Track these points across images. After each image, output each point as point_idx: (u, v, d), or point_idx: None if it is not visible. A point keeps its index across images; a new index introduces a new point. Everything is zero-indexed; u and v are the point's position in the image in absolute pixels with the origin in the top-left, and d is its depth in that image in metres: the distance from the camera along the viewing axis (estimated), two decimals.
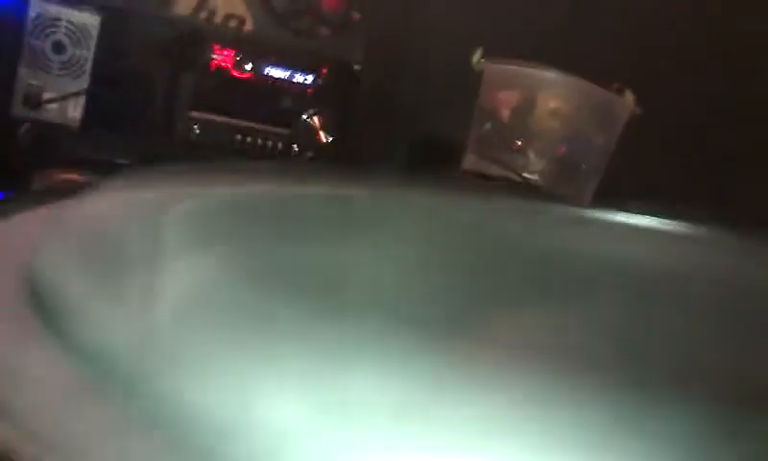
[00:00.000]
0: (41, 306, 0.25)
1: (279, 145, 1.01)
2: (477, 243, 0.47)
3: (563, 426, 0.22)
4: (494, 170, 1.10)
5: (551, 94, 1.16)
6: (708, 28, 1.27)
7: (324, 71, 1.01)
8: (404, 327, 0.28)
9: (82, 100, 0.89)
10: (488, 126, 1.15)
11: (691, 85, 1.26)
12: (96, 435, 0.18)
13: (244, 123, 0.98)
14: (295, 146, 1.01)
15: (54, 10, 0.87)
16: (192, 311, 0.28)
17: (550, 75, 1.14)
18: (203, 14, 0.98)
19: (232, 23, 1.00)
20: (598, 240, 0.51)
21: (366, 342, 0.27)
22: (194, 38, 0.96)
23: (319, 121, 1.01)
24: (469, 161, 1.12)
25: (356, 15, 1.04)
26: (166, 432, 0.19)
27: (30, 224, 0.33)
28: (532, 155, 1.15)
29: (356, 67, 1.04)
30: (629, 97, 1.17)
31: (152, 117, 0.96)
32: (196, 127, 0.97)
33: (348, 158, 1.00)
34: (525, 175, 1.11)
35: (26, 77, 0.87)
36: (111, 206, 0.36)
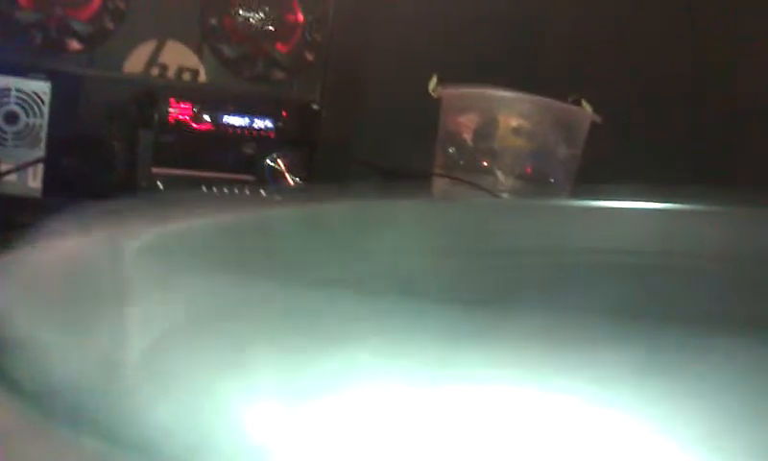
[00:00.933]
0: None
1: (246, 192, 0.99)
2: (470, 243, 0.46)
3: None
4: (465, 192, 1.10)
5: (512, 113, 1.17)
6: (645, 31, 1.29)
7: (284, 114, 1.01)
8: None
9: (40, 169, 0.88)
10: (452, 150, 1.15)
11: (644, 86, 1.28)
12: None
13: (208, 174, 0.97)
14: (262, 191, 1.00)
15: (2, 81, 0.85)
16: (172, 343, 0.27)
17: (508, 94, 1.15)
18: (154, 70, 0.98)
19: (186, 76, 1.00)
20: (595, 228, 0.50)
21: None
22: (149, 96, 0.95)
23: (284, 164, 1.01)
24: (439, 185, 1.11)
25: (309, 56, 1.05)
26: None
27: None
28: (500, 174, 1.15)
29: (315, 107, 1.04)
30: (586, 107, 1.18)
31: (114, 179, 0.95)
32: (160, 184, 0.95)
33: None
34: (495, 194, 1.11)
35: None
36: (67, 246, 0.35)
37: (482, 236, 0.49)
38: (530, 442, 0.18)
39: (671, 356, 0.21)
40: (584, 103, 1.18)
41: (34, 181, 0.87)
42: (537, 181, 1.16)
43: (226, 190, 0.98)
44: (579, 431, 0.18)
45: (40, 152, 0.87)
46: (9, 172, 0.86)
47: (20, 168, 0.86)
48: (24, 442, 0.19)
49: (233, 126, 0.99)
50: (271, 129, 1.00)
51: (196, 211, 0.45)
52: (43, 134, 0.87)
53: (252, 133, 0.99)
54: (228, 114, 0.98)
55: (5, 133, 0.86)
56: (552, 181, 1.18)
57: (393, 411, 0.19)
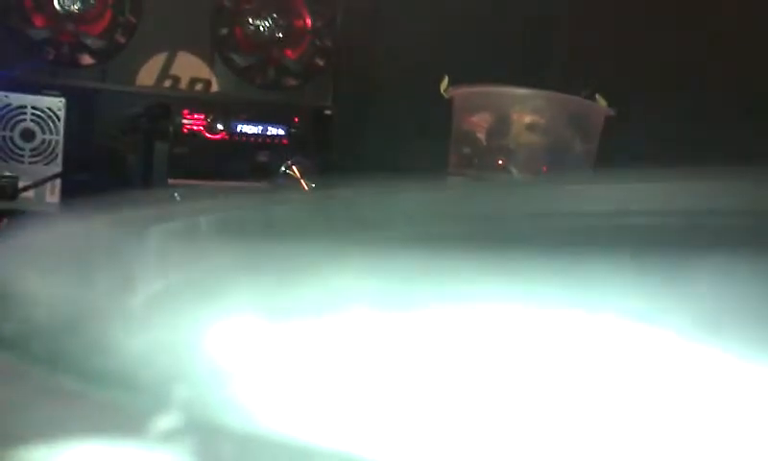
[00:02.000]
0: None
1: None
2: (481, 225, 0.46)
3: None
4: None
5: (525, 109, 1.16)
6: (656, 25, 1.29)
7: (296, 120, 1.01)
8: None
9: (57, 184, 0.88)
10: (466, 150, 1.15)
11: (659, 81, 1.27)
12: (19, 411, 0.17)
13: (224, 183, 0.98)
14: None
15: (18, 98, 0.86)
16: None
17: (521, 91, 1.14)
18: (167, 83, 0.98)
19: (198, 86, 1.00)
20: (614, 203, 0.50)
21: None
22: (162, 108, 0.96)
23: (298, 170, 1.01)
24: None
25: (320, 61, 1.05)
26: (99, 395, 0.17)
27: None
28: (515, 171, 1.15)
29: (327, 112, 1.04)
30: (601, 101, 1.18)
31: (130, 191, 0.95)
32: (176, 195, 0.96)
33: None
34: None
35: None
36: (72, 225, 0.35)
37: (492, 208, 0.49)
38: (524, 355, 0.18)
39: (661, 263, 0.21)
40: (598, 97, 1.17)
41: (51, 196, 0.88)
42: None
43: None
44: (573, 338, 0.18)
45: (57, 167, 0.88)
46: (26, 188, 0.87)
47: (38, 184, 0.87)
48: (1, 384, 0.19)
49: (247, 134, 0.99)
50: (284, 135, 1.01)
51: (199, 203, 0.45)
52: (59, 150, 0.88)
53: (265, 141, 1.00)
54: (242, 123, 0.99)
55: (22, 150, 0.87)
56: None
57: (373, 333, 0.19)
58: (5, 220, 0.88)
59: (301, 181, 1.01)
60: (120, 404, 0.17)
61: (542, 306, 0.19)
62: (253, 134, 0.99)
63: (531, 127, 1.15)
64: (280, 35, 1.02)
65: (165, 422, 0.15)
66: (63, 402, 0.17)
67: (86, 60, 0.94)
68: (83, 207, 0.35)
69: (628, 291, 0.20)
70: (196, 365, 0.18)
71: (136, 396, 0.17)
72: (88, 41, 0.93)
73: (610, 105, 1.15)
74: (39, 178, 0.87)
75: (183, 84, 0.99)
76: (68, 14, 0.91)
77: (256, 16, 1.01)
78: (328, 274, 0.23)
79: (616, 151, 1.12)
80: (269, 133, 1.00)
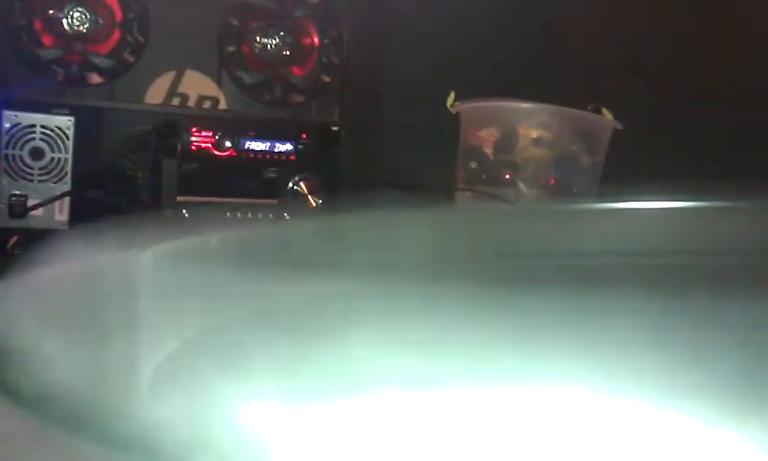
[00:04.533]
0: None
1: (270, 216, 1.00)
2: (490, 249, 0.46)
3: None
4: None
5: (531, 124, 1.16)
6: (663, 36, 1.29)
7: (304, 137, 1.01)
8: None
9: (67, 202, 0.89)
10: (473, 165, 1.15)
11: (660, 93, 1.28)
12: None
13: (232, 200, 0.98)
14: (285, 215, 1.00)
15: (27, 117, 0.87)
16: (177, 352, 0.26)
17: (527, 106, 1.15)
18: (175, 101, 0.99)
19: (206, 104, 1.00)
20: (620, 230, 0.49)
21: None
22: (170, 125, 0.96)
23: (306, 186, 1.01)
24: (462, 200, 1.11)
25: (327, 78, 1.05)
26: None
27: None
28: (522, 185, 1.15)
29: (334, 128, 1.04)
30: (607, 114, 1.18)
31: (140, 209, 0.96)
32: (185, 212, 0.96)
33: None
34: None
35: (8, 188, 0.86)
36: (78, 263, 0.35)
37: (499, 241, 0.49)
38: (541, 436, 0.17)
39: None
40: (604, 111, 1.17)
41: (60, 214, 0.88)
42: (560, 191, 1.15)
43: (249, 215, 0.98)
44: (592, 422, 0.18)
45: (66, 185, 0.89)
46: (36, 206, 0.87)
47: (47, 203, 0.87)
48: (24, 446, 0.18)
49: (255, 151, 0.99)
50: (291, 152, 1.01)
51: (207, 227, 0.45)
52: (68, 168, 0.88)
53: (273, 158, 1.00)
54: (250, 140, 0.99)
55: (31, 168, 0.87)
56: (575, 190, 1.17)
57: (404, 414, 0.19)
58: (14, 238, 0.88)
59: (309, 197, 1.01)
60: None
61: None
62: (261, 151, 1.00)
63: (537, 141, 1.16)
64: (288, 52, 1.02)
65: None
66: None
67: (95, 79, 0.95)
68: (91, 234, 0.34)
69: None
70: (220, 436, 0.17)
71: None
72: (97, 61, 0.94)
73: (616, 118, 1.15)
74: (49, 196, 0.87)
75: (191, 102, 1.00)
76: (77, 34, 0.92)
77: (264, 34, 1.02)
78: (349, 348, 0.23)
79: (623, 164, 1.12)
80: (276, 149, 1.00)
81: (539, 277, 0.43)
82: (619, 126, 1.16)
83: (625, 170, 1.11)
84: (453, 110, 1.14)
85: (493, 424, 0.18)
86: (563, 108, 1.15)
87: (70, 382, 0.20)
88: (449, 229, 0.49)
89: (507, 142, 1.17)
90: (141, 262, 0.34)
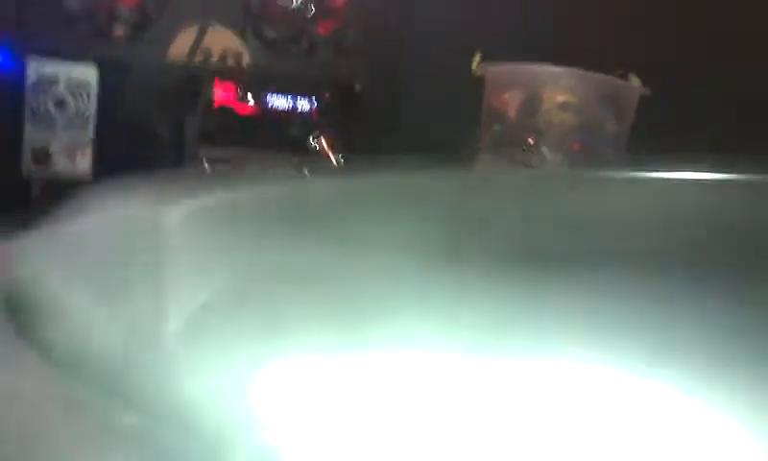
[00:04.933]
0: (17, 312, 0.22)
1: (291, 173, 1.00)
2: (509, 215, 0.45)
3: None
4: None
5: (557, 88, 1.15)
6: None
7: (327, 94, 1.01)
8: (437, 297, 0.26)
9: (89, 152, 0.89)
10: (497, 128, 1.14)
11: (691, 57, 1.25)
12: (72, 450, 0.16)
13: (253, 155, 0.98)
14: (306, 171, 1.00)
15: (51, 68, 0.87)
16: (201, 315, 0.26)
17: (553, 69, 1.13)
18: (198, 55, 0.99)
19: (229, 59, 1.00)
20: (649, 198, 0.49)
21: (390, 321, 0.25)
22: (193, 80, 0.96)
23: (327, 143, 1.01)
24: (484, 164, 1.10)
25: (351, 34, 1.05)
26: (157, 441, 0.16)
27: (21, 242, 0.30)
28: (546, 151, 1.13)
29: (357, 86, 1.04)
30: (634, 80, 1.16)
31: (161, 162, 0.96)
32: (207, 166, 0.97)
33: None
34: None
35: (32, 136, 0.87)
36: (107, 216, 0.34)
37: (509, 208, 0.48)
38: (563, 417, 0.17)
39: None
40: (631, 76, 1.16)
41: (83, 164, 0.89)
42: (584, 158, 1.14)
43: (271, 170, 0.98)
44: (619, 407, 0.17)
45: (90, 136, 0.89)
46: (59, 156, 0.88)
47: (70, 153, 0.88)
48: (56, 412, 0.18)
49: (277, 107, 0.99)
50: (314, 109, 1.01)
51: (231, 182, 0.44)
52: (92, 120, 0.89)
53: (295, 114, 1.00)
54: (272, 96, 0.99)
55: (55, 118, 0.88)
56: (600, 157, 1.15)
57: (435, 384, 0.18)
58: (38, 187, 0.89)
59: (330, 154, 1.01)
60: (178, 451, 0.16)
61: None
62: (284, 108, 1.00)
63: (563, 106, 1.14)
64: (312, 9, 1.02)
65: None
66: (119, 444, 0.16)
67: (119, 32, 0.95)
68: (117, 187, 0.34)
69: None
70: (256, 414, 0.17)
71: (198, 442, 0.16)
72: (122, 14, 0.94)
73: (643, 84, 1.13)
74: (71, 146, 0.88)
75: (215, 57, 1.00)
76: None
77: None
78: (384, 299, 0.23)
79: (650, 132, 1.10)
80: (299, 106, 1.00)
81: (562, 245, 0.42)
82: (647, 92, 1.14)
83: (652, 138, 1.09)
84: (478, 72, 1.13)
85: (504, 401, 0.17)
86: (589, 72, 1.13)
87: (101, 342, 0.20)
88: (471, 193, 0.48)
89: (531, 106, 1.15)
90: (169, 216, 0.34)
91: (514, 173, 0.76)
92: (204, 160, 0.95)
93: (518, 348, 0.21)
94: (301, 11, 1.01)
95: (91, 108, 0.89)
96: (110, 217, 0.34)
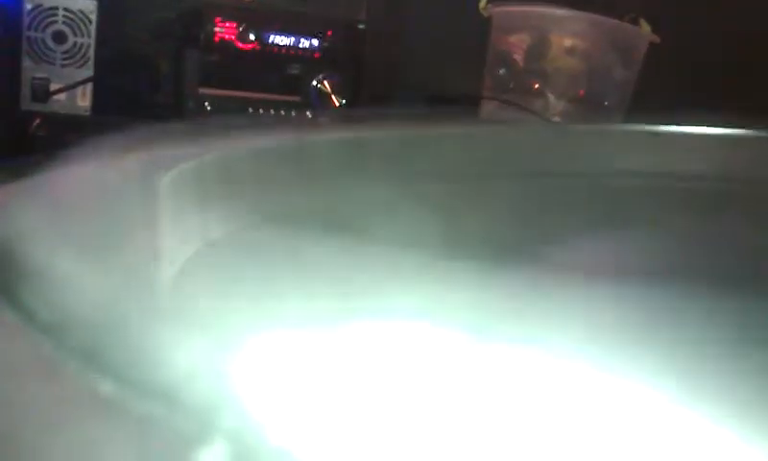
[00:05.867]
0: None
1: (292, 113, 0.99)
2: (520, 169, 0.45)
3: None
4: (514, 115, 1.07)
5: (565, 32, 1.13)
6: None
7: (330, 33, 0.99)
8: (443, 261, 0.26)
9: (89, 88, 0.88)
10: (502, 71, 1.12)
11: (705, 7, 1.22)
12: (51, 415, 0.16)
13: (254, 95, 0.97)
14: (308, 113, 0.99)
15: (49, 0, 0.86)
16: (198, 269, 0.26)
17: (562, 12, 1.11)
18: None
19: None
20: (658, 155, 0.48)
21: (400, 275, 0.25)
22: (195, 14, 0.94)
23: (329, 85, 1.00)
24: (488, 109, 1.09)
25: None
26: (139, 412, 0.16)
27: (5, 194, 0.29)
28: (551, 96, 1.12)
29: (361, 26, 1.02)
30: (645, 26, 1.13)
31: (161, 98, 0.95)
32: (207, 104, 0.96)
33: None
34: (546, 118, 1.08)
35: (31, 70, 0.86)
36: (99, 169, 0.34)
37: (528, 161, 0.48)
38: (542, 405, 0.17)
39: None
40: (642, 22, 1.13)
41: (83, 100, 0.88)
42: (590, 105, 1.12)
43: (272, 112, 0.98)
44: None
45: (89, 71, 0.88)
46: (58, 91, 0.87)
47: (70, 88, 0.87)
48: (35, 378, 0.17)
49: (279, 45, 0.98)
50: (316, 49, 0.99)
51: (233, 136, 0.44)
52: (91, 54, 0.88)
53: (297, 54, 0.98)
54: (274, 34, 0.97)
55: (53, 52, 0.86)
56: (606, 104, 1.14)
57: (426, 360, 0.18)
58: (37, 121, 0.88)
59: (332, 97, 1.00)
60: (160, 423, 0.15)
61: None
62: (285, 46, 0.98)
63: (570, 50, 1.12)
64: None
65: (209, 455, 0.14)
66: (99, 414, 0.16)
67: None
68: (115, 133, 0.34)
69: None
70: (244, 389, 0.16)
71: (179, 415, 0.16)
72: None
73: (654, 30, 1.11)
74: (71, 81, 0.87)
75: None
76: None
77: None
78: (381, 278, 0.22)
79: (658, 80, 1.09)
80: (301, 45, 0.99)
81: (569, 197, 0.42)
82: (656, 39, 1.12)
83: (660, 87, 1.08)
84: (485, 13, 1.11)
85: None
86: (599, 16, 1.11)
87: (87, 307, 0.19)
88: (478, 145, 0.47)
89: (539, 50, 1.13)
90: (160, 169, 0.33)
91: (518, 127, 0.75)
92: (204, 100, 0.94)
93: (518, 330, 0.21)
94: None
95: (91, 42, 0.87)
96: (100, 169, 0.34)
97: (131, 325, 0.18)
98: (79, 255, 0.22)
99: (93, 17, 0.87)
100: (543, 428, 0.15)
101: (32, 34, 0.85)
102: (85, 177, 0.32)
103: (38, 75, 0.86)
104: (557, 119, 1.11)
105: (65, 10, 0.86)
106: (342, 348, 0.19)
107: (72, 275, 0.20)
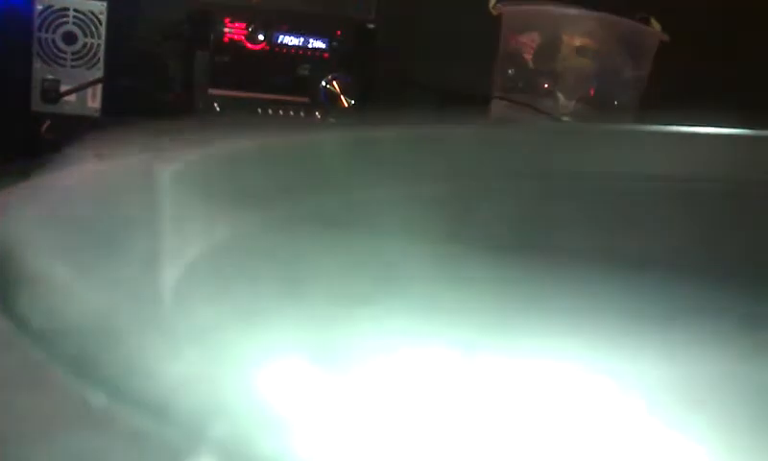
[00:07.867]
0: None
1: (301, 114, 0.99)
2: (524, 170, 0.45)
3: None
4: (524, 115, 1.07)
5: (576, 31, 1.12)
6: None
7: (339, 33, 0.99)
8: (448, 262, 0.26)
9: (99, 89, 0.89)
10: (512, 72, 1.12)
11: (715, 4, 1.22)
12: (41, 425, 0.16)
13: (263, 95, 0.97)
14: (317, 114, 1.00)
15: (60, 1, 0.86)
16: (200, 274, 0.26)
17: (572, 11, 1.10)
18: None
19: None
20: (654, 155, 0.48)
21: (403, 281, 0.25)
22: (204, 15, 0.95)
23: (338, 85, 1.00)
24: (497, 109, 1.09)
25: None
26: (129, 423, 0.16)
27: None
28: (561, 96, 1.12)
29: (370, 26, 1.02)
30: (655, 25, 1.13)
31: (171, 99, 0.96)
32: (216, 105, 0.96)
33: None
34: (557, 117, 1.07)
35: (41, 72, 0.86)
36: (99, 169, 0.33)
37: (538, 162, 0.48)
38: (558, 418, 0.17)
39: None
40: (652, 21, 1.13)
41: (93, 101, 0.89)
42: (600, 104, 1.12)
43: (281, 113, 0.98)
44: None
45: (99, 72, 0.88)
46: (69, 92, 0.87)
47: (80, 89, 0.87)
48: (25, 388, 0.17)
49: (288, 46, 0.98)
50: (325, 49, 0.99)
51: (237, 130, 0.44)
52: (101, 54, 0.88)
53: (306, 54, 0.98)
54: (283, 34, 0.97)
55: (64, 53, 0.87)
56: (616, 103, 1.13)
57: (428, 382, 0.18)
58: (47, 123, 0.89)
59: (341, 97, 1.00)
60: (151, 435, 0.15)
61: None
62: (295, 46, 0.98)
63: (581, 50, 1.12)
64: None
65: None
66: (89, 425, 0.16)
67: None
68: (122, 132, 0.33)
69: None
70: (237, 399, 0.16)
71: (169, 426, 0.15)
72: None
73: (664, 29, 1.10)
74: (81, 82, 0.88)
75: None
76: None
77: None
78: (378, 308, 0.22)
79: (669, 79, 1.08)
80: (310, 45, 0.99)
81: (574, 197, 0.42)
82: (667, 38, 1.11)
83: (670, 86, 1.07)
84: (495, 12, 1.10)
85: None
86: (609, 15, 1.10)
87: (80, 316, 0.19)
88: (487, 145, 0.47)
89: (549, 49, 1.13)
90: (166, 169, 0.33)
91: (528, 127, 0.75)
92: (214, 101, 0.94)
93: (522, 332, 0.21)
94: None
95: (101, 43, 0.88)
96: (102, 169, 0.34)
97: (123, 335, 0.18)
98: (74, 263, 0.21)
99: (103, 18, 0.88)
100: (544, 432, 0.15)
101: (42, 35, 0.86)
102: (83, 179, 0.31)
103: (49, 76, 0.87)
104: (567, 119, 1.11)
105: (75, 11, 0.87)
106: (340, 358, 0.18)
107: (66, 282, 0.20)
